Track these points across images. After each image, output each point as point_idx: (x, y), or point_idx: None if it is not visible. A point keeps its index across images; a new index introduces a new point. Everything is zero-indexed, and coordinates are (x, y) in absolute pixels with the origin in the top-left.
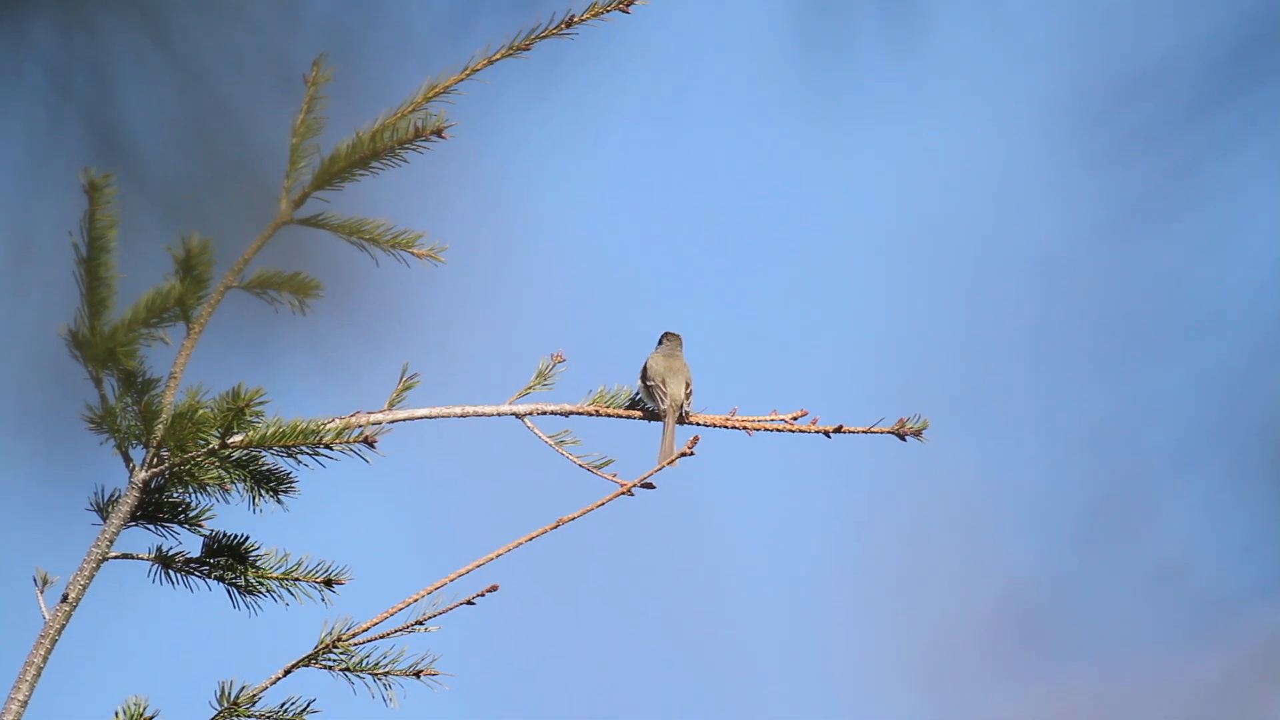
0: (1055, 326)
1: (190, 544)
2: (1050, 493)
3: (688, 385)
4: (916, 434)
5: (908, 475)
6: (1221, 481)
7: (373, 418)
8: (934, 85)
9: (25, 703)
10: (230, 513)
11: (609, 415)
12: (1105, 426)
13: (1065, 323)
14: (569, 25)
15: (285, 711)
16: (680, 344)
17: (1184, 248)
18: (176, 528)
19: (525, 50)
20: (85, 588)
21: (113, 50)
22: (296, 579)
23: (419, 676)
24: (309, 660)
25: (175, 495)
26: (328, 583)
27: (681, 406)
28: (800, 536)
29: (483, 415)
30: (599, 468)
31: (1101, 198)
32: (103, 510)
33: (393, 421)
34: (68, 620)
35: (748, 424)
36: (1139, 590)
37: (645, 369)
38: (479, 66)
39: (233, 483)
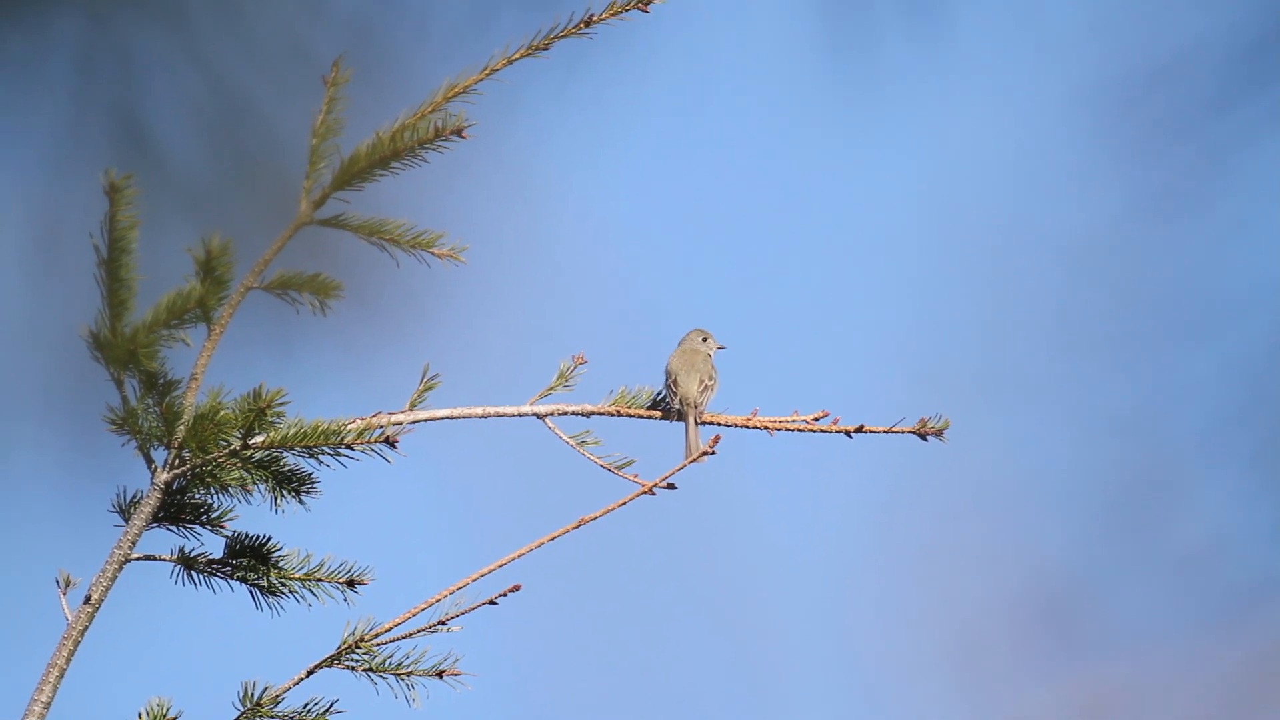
0: (1081, 314)
1: (212, 545)
2: (1077, 480)
3: (702, 382)
4: (938, 434)
5: (934, 464)
6: (1248, 468)
7: (394, 418)
8: (959, 76)
9: (48, 704)
10: (252, 514)
11: (630, 415)
12: (1131, 414)
13: (1091, 310)
14: (588, 25)
15: (308, 712)
16: (705, 339)
17: (1210, 235)
18: (198, 529)
19: (544, 50)
20: (108, 589)
21: (137, 44)
22: (319, 579)
23: (441, 676)
24: (332, 661)
25: (197, 496)
26: (350, 583)
27: (696, 404)
28: (826, 531)
29: (504, 416)
30: (620, 468)
31: (1127, 187)
32: (125, 512)
33: (414, 422)
34: (90, 622)
35: (769, 424)
36: (1165, 578)
37: (665, 367)
38: (498, 66)
39: (254, 483)
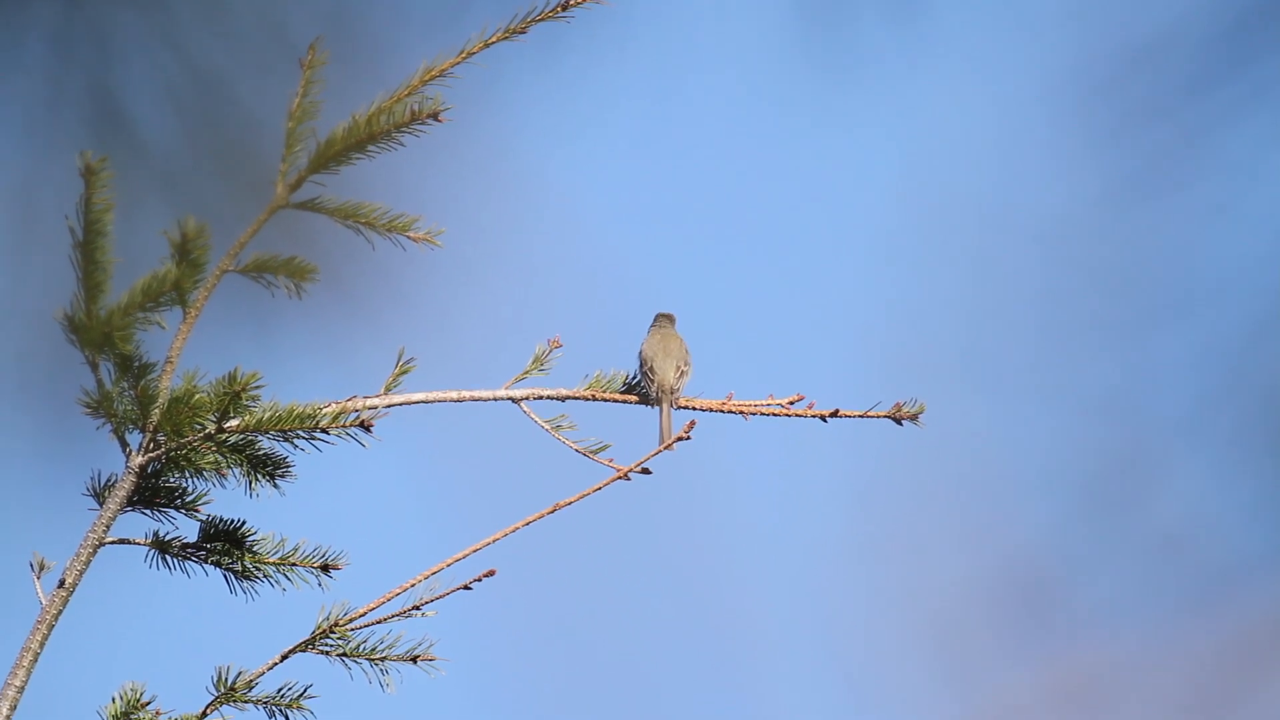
0: (1060, 296)
1: (187, 529)
2: (1055, 461)
3: (678, 367)
4: (913, 418)
5: (912, 447)
6: (1226, 450)
7: (369, 402)
8: (936, 58)
9: (22, 688)
10: (227, 497)
11: (605, 400)
12: (1110, 395)
13: (1070, 292)
14: (565, 9)
15: (282, 697)
16: (673, 322)
17: (1189, 217)
18: (173, 513)
19: (521, 33)
20: (82, 573)
21: (113, 25)
22: (293, 564)
23: (416, 662)
24: (306, 645)
25: (172, 480)
26: (324, 567)
27: (672, 390)
28: (802, 514)
29: (479, 400)
30: (595, 453)
31: (1106, 169)
32: (99, 495)
33: (389, 406)
34: (65, 606)
35: (744, 408)
36: (1144, 559)
37: (640, 353)
38: (475, 50)
39: (229, 467)
